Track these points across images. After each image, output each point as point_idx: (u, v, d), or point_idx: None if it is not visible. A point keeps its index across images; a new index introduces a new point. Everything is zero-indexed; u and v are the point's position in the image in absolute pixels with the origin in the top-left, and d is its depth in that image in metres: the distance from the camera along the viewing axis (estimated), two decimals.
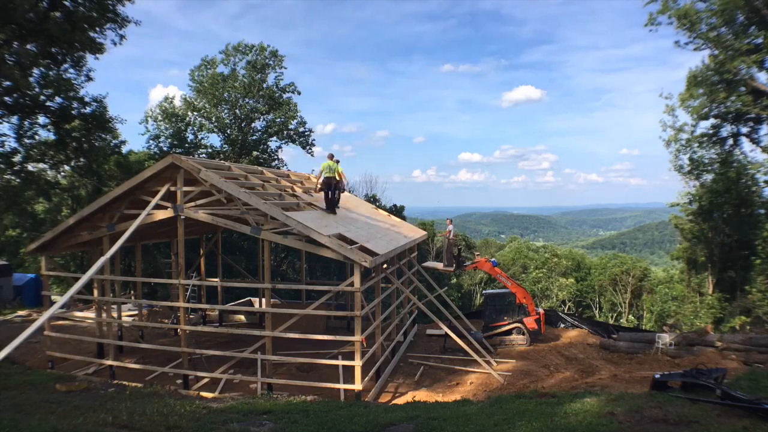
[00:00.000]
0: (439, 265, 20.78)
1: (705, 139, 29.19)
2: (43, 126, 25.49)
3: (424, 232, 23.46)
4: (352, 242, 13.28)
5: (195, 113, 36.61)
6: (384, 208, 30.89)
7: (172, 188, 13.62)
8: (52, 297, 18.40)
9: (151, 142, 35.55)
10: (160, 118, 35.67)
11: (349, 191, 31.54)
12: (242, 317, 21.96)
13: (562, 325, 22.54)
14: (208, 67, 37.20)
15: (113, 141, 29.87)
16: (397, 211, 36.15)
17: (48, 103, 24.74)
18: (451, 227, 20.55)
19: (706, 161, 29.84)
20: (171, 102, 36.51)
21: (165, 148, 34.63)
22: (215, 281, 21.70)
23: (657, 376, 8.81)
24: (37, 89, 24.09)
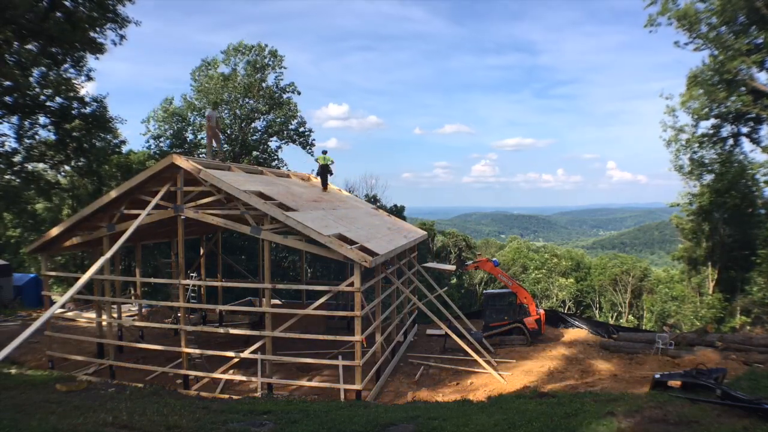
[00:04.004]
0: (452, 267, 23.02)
1: (705, 139, 29.16)
2: (43, 126, 25.45)
3: (424, 232, 23.46)
4: (352, 242, 13.27)
5: (195, 113, 36.58)
6: (384, 208, 30.87)
7: (172, 188, 13.61)
8: (53, 297, 18.39)
9: (151, 141, 35.60)
10: (161, 118, 35.68)
11: (349, 191, 31.52)
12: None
13: (563, 325, 22.51)
14: (209, 67, 37.19)
15: (114, 141, 29.84)
16: (397, 211, 36.11)
17: (48, 103, 24.71)
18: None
19: (707, 161, 29.82)
20: (171, 102, 36.58)
21: (165, 148, 34.63)
22: (215, 281, 21.68)
23: (657, 376, 8.82)
24: (37, 89, 24.07)
